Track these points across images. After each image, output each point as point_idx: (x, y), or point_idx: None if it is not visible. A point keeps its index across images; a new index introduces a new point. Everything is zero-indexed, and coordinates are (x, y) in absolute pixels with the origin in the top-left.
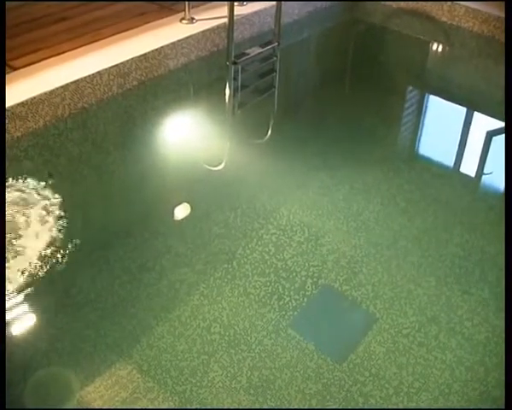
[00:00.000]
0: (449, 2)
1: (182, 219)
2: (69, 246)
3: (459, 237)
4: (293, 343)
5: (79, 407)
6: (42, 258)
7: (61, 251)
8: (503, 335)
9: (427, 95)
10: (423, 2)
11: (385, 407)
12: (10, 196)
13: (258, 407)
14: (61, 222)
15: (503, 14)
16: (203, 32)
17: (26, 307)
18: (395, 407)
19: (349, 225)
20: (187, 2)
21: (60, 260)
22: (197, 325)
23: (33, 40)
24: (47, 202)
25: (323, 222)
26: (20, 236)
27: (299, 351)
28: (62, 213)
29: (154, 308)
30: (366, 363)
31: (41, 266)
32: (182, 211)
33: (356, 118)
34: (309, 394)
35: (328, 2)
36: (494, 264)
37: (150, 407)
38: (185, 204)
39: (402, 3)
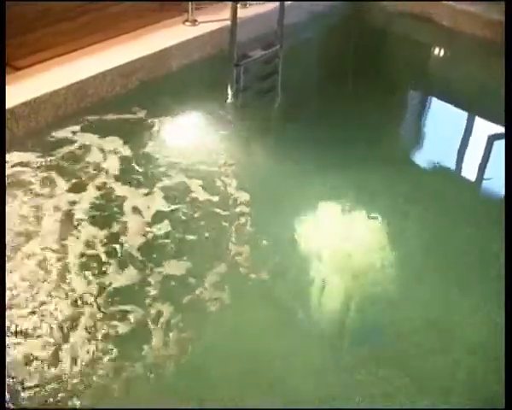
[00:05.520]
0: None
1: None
2: None
3: (461, 235)
4: (293, 343)
5: (79, 407)
6: None
7: None
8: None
9: (432, 98)
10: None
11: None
12: None
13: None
14: None
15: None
16: (206, 33)
17: None
18: (395, 407)
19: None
20: (190, 4)
21: None
22: None
23: (34, 40)
24: None
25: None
26: None
27: (299, 349)
28: None
29: None
30: (368, 363)
31: None
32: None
33: (357, 118)
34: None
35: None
36: (496, 262)
37: (150, 407)
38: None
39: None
